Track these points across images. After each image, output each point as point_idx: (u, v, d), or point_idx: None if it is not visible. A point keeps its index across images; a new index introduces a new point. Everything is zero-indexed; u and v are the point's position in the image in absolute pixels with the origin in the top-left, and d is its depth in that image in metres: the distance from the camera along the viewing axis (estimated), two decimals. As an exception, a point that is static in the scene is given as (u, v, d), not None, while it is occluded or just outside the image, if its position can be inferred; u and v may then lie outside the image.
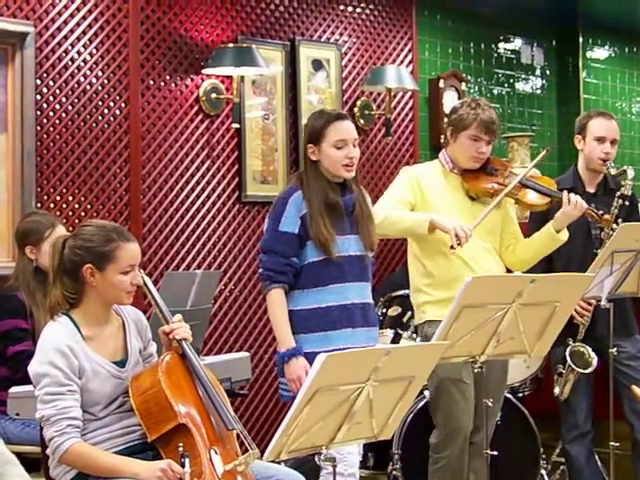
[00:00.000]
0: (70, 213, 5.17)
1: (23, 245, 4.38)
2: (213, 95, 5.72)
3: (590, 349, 4.60)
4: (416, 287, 4.37)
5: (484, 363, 3.58)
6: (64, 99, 5.17)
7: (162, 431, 3.21)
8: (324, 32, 6.31)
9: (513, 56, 7.61)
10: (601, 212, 4.36)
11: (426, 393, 4.68)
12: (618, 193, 4.63)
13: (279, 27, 6.09)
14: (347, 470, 3.80)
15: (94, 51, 5.28)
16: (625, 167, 4.76)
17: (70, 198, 5.18)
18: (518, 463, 4.91)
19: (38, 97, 5.06)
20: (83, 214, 5.21)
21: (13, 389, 3.97)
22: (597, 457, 4.98)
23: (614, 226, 4.42)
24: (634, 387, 4.03)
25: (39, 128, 5.07)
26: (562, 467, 5.24)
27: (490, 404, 3.74)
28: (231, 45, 5.66)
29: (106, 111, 5.32)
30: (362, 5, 6.52)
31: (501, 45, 7.53)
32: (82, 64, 5.24)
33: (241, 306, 5.87)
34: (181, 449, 3.05)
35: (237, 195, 5.86)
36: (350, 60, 6.44)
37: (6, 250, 4.94)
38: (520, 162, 6.59)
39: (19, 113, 4.97)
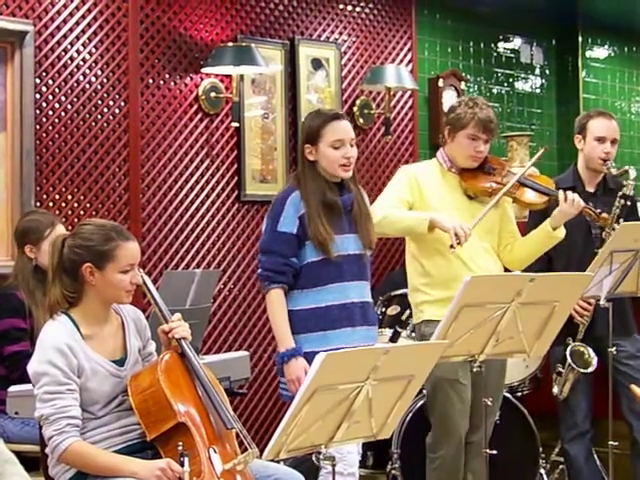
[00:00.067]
0: (69, 212, 5.17)
1: (22, 244, 4.38)
2: (212, 94, 5.72)
3: (590, 349, 4.60)
4: (414, 287, 4.37)
5: (483, 362, 3.59)
6: (63, 98, 5.17)
7: (161, 430, 3.21)
8: (324, 31, 6.31)
9: (512, 55, 7.61)
10: (599, 211, 4.36)
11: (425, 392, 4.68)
12: (620, 193, 4.63)
13: (278, 26, 6.09)
14: (347, 469, 3.80)
15: (93, 50, 5.28)
16: (627, 167, 4.76)
17: (69, 197, 5.18)
18: (517, 462, 4.91)
19: (37, 96, 5.06)
20: (82, 213, 5.21)
21: (12, 388, 3.97)
22: (596, 456, 4.98)
23: (615, 226, 4.42)
24: (633, 386, 4.03)
25: (38, 127, 5.07)
26: (561, 466, 5.24)
27: (489, 403, 3.75)
28: (230, 44, 5.66)
29: (105, 110, 5.32)
30: (362, 4, 6.52)
31: (500, 44, 7.53)
32: (81, 63, 5.24)
33: (240, 305, 5.87)
34: (180, 448, 3.05)
35: (236, 194, 5.86)
36: (350, 59, 6.44)
37: (5, 249, 4.94)
38: (519, 161, 6.59)
39: (18, 112, 4.97)
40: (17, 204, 4.96)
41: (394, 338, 5.36)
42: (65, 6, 5.18)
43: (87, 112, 5.25)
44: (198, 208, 5.69)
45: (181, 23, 5.64)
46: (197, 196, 5.68)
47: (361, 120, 6.44)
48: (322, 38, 6.30)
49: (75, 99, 5.21)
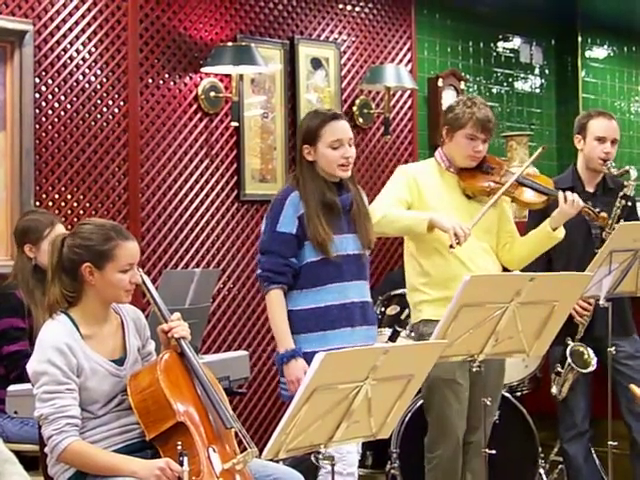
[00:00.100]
0: (69, 211, 5.17)
1: (22, 243, 4.38)
2: (212, 93, 5.72)
3: (590, 349, 4.60)
4: (412, 286, 4.37)
5: (482, 362, 3.58)
6: (63, 97, 5.17)
7: (160, 429, 3.21)
8: (323, 31, 6.31)
9: (512, 55, 7.61)
10: (598, 210, 4.36)
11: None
12: (621, 193, 4.63)
13: (278, 25, 6.09)
14: (346, 469, 3.80)
15: (93, 49, 5.28)
16: (627, 167, 4.76)
17: (69, 196, 5.18)
18: (516, 462, 4.91)
19: (37, 95, 5.06)
20: (82, 212, 5.21)
21: (12, 387, 3.97)
22: (595, 456, 4.98)
23: (616, 226, 4.42)
24: (632, 386, 4.03)
25: (38, 126, 5.06)
26: (560, 466, 5.24)
27: (489, 403, 3.75)
28: (230, 44, 5.66)
29: (105, 109, 5.32)
30: (361, 4, 6.52)
31: (500, 44, 7.53)
32: (81, 62, 5.24)
33: (240, 305, 5.87)
34: (179, 447, 3.05)
35: (236, 193, 5.86)
36: (349, 59, 6.44)
37: (5, 248, 4.94)
38: (519, 161, 6.59)
39: (18, 111, 4.97)
40: (16, 203, 4.96)
41: (393, 337, 5.36)
42: (64, 5, 5.18)
43: (86, 111, 5.25)
44: (197, 207, 5.69)
45: (180, 22, 5.64)
46: (196, 195, 5.68)
47: (360, 120, 6.44)
48: (322, 38, 6.30)
49: (74, 98, 5.21)
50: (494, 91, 7.45)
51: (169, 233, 5.56)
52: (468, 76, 7.19)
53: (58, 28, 5.16)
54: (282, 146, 6.03)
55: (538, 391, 5.47)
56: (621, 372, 4.63)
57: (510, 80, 7.59)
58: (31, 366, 3.22)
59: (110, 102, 5.34)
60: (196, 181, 5.68)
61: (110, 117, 5.34)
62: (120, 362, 3.33)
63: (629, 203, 4.61)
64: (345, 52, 6.42)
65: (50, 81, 5.12)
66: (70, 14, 5.20)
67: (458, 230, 4.00)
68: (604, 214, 4.36)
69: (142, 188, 5.46)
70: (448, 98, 6.76)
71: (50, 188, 5.11)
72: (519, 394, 5.38)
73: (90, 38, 5.27)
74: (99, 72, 5.30)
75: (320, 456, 2.96)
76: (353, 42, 6.46)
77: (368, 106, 6.49)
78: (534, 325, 3.55)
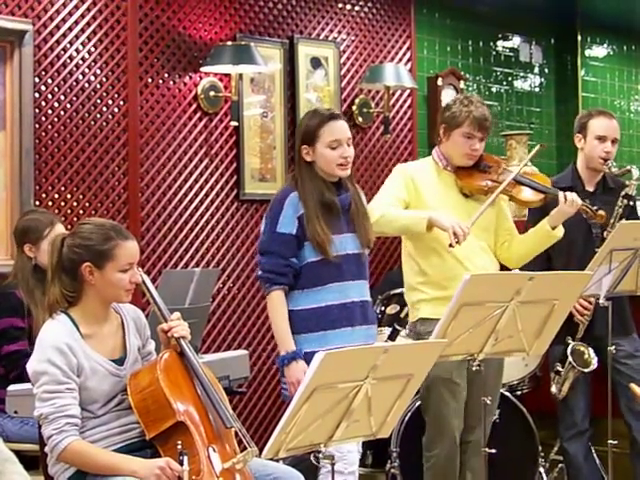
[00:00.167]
0: (68, 211, 5.17)
1: (22, 243, 4.38)
2: (211, 93, 5.72)
3: (591, 349, 4.60)
4: (410, 285, 4.37)
5: (482, 361, 3.58)
6: (62, 97, 5.17)
7: (160, 429, 3.21)
8: (322, 30, 6.31)
9: (512, 54, 7.61)
10: (595, 207, 4.35)
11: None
12: (623, 193, 4.63)
13: (277, 25, 6.09)
14: (347, 468, 3.80)
15: (92, 49, 5.28)
16: (629, 167, 4.76)
17: (68, 196, 5.18)
18: (516, 461, 4.91)
19: (36, 95, 5.06)
20: (81, 212, 5.21)
21: (12, 387, 3.97)
22: (595, 455, 4.98)
23: (617, 225, 4.42)
24: (632, 385, 4.03)
25: (37, 126, 5.06)
26: (560, 465, 5.24)
27: (489, 402, 3.75)
28: (229, 43, 5.66)
29: (104, 109, 5.32)
30: (360, 3, 6.52)
31: (499, 43, 7.53)
32: (80, 62, 5.24)
33: (239, 304, 5.87)
34: (179, 447, 3.05)
35: (235, 193, 5.85)
36: (349, 58, 6.44)
37: (5, 248, 4.94)
38: (518, 160, 6.58)
39: (17, 111, 4.97)
40: (16, 203, 4.96)
41: (393, 336, 5.36)
42: (64, 5, 5.18)
43: (86, 111, 5.25)
44: (197, 207, 5.69)
45: (180, 22, 5.64)
46: (196, 195, 5.68)
47: (360, 119, 6.44)
48: (321, 37, 6.30)
49: (74, 98, 5.21)
50: (494, 90, 7.45)
51: (169, 232, 5.56)
52: (468, 75, 7.19)
53: (58, 28, 5.16)
54: (282, 145, 6.03)
55: (538, 390, 5.47)
56: (621, 371, 4.63)
57: (510, 79, 7.59)
58: (31, 366, 3.22)
59: (110, 101, 5.34)
60: (196, 180, 5.68)
61: (110, 116, 5.34)
62: (120, 362, 3.34)
63: (631, 202, 4.61)
64: (345, 51, 6.41)
65: (50, 81, 5.12)
66: (70, 14, 5.20)
67: (457, 229, 4.00)
68: (602, 212, 4.36)
69: (142, 187, 5.46)
70: (448, 97, 6.75)
71: (50, 188, 5.12)
72: (519, 393, 5.38)
73: (90, 38, 5.27)
74: (99, 72, 5.30)
75: (320, 455, 2.96)
76: (352, 41, 6.46)
77: (368, 105, 6.49)
78: (534, 324, 3.55)
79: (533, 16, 7.62)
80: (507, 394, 4.93)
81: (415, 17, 6.83)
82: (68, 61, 5.19)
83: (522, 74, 7.68)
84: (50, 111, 5.12)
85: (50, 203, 5.10)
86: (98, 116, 5.30)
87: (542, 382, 5.41)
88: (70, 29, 5.20)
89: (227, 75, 5.71)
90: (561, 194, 4.26)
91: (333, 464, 3.04)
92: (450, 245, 4.02)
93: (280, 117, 6.03)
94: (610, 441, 4.26)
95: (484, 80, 7.38)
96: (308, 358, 3.65)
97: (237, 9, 5.89)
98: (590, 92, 7.93)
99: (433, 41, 7.00)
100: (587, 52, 7.95)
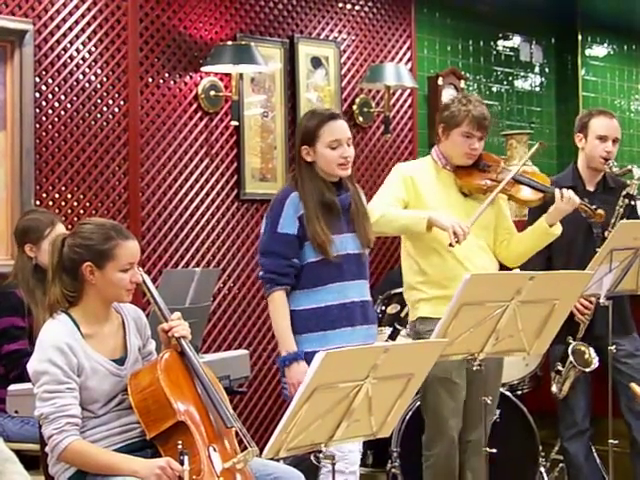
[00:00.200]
0: (69, 211, 5.17)
1: (22, 243, 4.38)
2: (212, 93, 5.72)
3: (592, 349, 4.60)
4: (409, 285, 4.37)
5: (482, 361, 3.58)
6: (63, 97, 5.17)
7: (161, 429, 3.21)
8: (323, 30, 6.31)
9: (512, 54, 7.61)
10: (594, 207, 4.35)
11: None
12: (624, 192, 4.63)
13: (278, 25, 6.09)
14: (348, 468, 3.80)
15: (93, 49, 5.28)
16: (630, 166, 4.76)
17: (69, 196, 5.18)
18: (517, 461, 4.91)
19: (37, 95, 5.06)
20: (82, 212, 5.21)
21: (12, 387, 3.97)
22: (596, 455, 4.98)
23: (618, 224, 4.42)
24: (633, 385, 4.03)
25: (38, 126, 5.07)
26: (561, 465, 5.24)
27: (489, 402, 3.75)
28: (230, 43, 5.66)
29: (105, 109, 5.32)
30: (361, 2, 6.52)
31: (500, 43, 7.53)
32: (81, 62, 5.24)
33: (240, 304, 5.87)
34: (180, 447, 3.05)
35: (236, 193, 5.86)
36: (349, 58, 6.44)
37: (5, 248, 4.94)
38: (519, 159, 6.57)
39: (18, 111, 4.97)
40: (17, 203, 4.97)
41: (393, 336, 5.36)
42: (64, 5, 5.18)
43: (87, 111, 5.25)
44: (197, 207, 5.69)
45: (180, 22, 5.64)
46: (196, 195, 5.68)
47: (360, 118, 6.44)
48: (321, 36, 6.30)
49: (75, 98, 5.21)
50: (494, 90, 7.45)
51: (169, 232, 5.57)
52: (468, 75, 7.19)
53: (58, 27, 5.16)
54: (282, 145, 6.03)
55: (539, 390, 5.47)
56: (621, 371, 4.62)
57: (510, 79, 7.59)
58: (32, 365, 3.22)
59: (110, 101, 5.34)
60: (196, 180, 5.68)
61: (110, 116, 5.34)
62: (121, 361, 3.34)
63: (632, 202, 4.61)
64: (345, 51, 6.41)
65: (50, 80, 5.12)
66: (70, 13, 5.20)
67: (457, 228, 4.00)
68: (601, 211, 4.35)
69: (142, 187, 5.46)
70: (448, 97, 6.69)
71: (50, 187, 5.12)
72: (520, 392, 5.38)
73: (90, 37, 5.27)
74: (99, 71, 5.30)
75: (321, 455, 2.96)
76: (353, 41, 6.46)
77: (368, 105, 6.49)
78: (534, 324, 3.55)
79: (533, 16, 7.62)
80: (508, 394, 4.93)
81: (415, 17, 6.83)
82: (68, 61, 5.19)
83: (522, 74, 7.68)
84: (51, 111, 5.12)
85: (51, 203, 5.10)
86: (99, 116, 5.30)
87: (543, 382, 5.41)
88: (70, 29, 5.20)
89: (227, 75, 5.71)
90: (557, 191, 4.26)
91: (334, 464, 3.04)
92: (450, 245, 4.02)
93: (280, 117, 6.04)
94: (611, 441, 4.26)
95: (484, 80, 7.38)
96: (308, 358, 3.65)
97: (237, 9, 5.89)
98: (590, 91, 7.93)
99: (433, 41, 7.00)
100: (587, 52, 7.95)
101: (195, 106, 5.69)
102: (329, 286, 3.85)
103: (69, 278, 3.29)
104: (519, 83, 7.65)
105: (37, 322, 4.10)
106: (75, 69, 5.21)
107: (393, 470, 4.86)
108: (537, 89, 7.81)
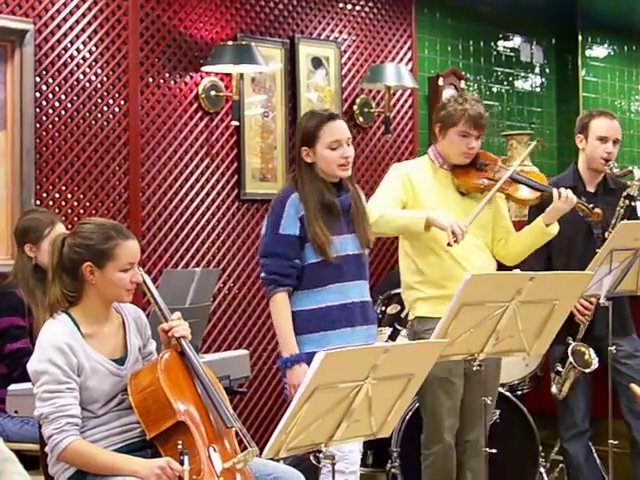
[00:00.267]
0: (69, 211, 5.17)
1: (22, 243, 4.38)
2: (212, 93, 5.72)
3: (592, 350, 4.60)
4: (407, 284, 4.37)
5: (482, 361, 3.58)
6: (63, 96, 5.17)
7: (161, 429, 3.21)
8: (323, 30, 6.31)
9: (512, 54, 7.61)
10: (591, 205, 4.35)
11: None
12: (625, 193, 4.63)
13: (278, 25, 6.09)
14: (348, 468, 3.80)
15: (93, 48, 5.28)
16: (631, 167, 4.76)
17: (69, 196, 5.18)
18: (517, 461, 4.91)
19: (37, 94, 5.06)
20: (82, 212, 5.21)
21: (12, 387, 3.97)
22: (596, 455, 4.98)
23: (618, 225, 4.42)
24: (633, 385, 4.03)
25: (38, 125, 5.06)
26: (561, 465, 5.24)
27: (489, 402, 3.75)
28: (230, 43, 5.66)
29: (105, 109, 5.32)
30: (361, 3, 6.52)
31: (500, 43, 7.53)
32: (81, 61, 5.24)
33: (240, 304, 5.87)
34: (180, 447, 3.05)
35: (236, 193, 5.86)
36: (349, 58, 6.44)
37: (5, 248, 4.94)
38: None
39: (18, 110, 4.97)
40: (17, 203, 4.96)
41: (393, 336, 5.36)
42: (65, 4, 5.18)
43: (87, 111, 5.25)
44: (198, 207, 5.69)
45: (181, 22, 5.64)
46: (197, 195, 5.68)
47: (361, 119, 6.44)
48: (322, 37, 6.30)
49: (75, 98, 5.21)
50: (494, 90, 7.45)
51: (169, 232, 5.57)
52: (468, 75, 7.19)
53: (59, 27, 5.16)
54: (282, 145, 6.03)
55: (538, 390, 5.47)
56: (621, 371, 4.62)
57: (510, 79, 7.59)
58: (31, 365, 3.22)
59: (110, 101, 5.34)
60: (196, 180, 5.68)
61: (110, 116, 5.34)
62: (121, 361, 3.34)
63: (632, 203, 4.61)
64: (345, 51, 6.41)
65: (51, 80, 5.12)
66: (71, 13, 5.20)
67: (455, 228, 4.00)
68: (598, 210, 4.35)
69: (142, 187, 5.46)
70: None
71: (50, 187, 5.12)
72: (519, 393, 5.38)
73: (90, 37, 5.27)
74: (99, 71, 5.30)
75: (321, 455, 2.96)
76: (353, 41, 6.46)
77: (368, 105, 6.49)
78: (534, 324, 3.55)
79: (534, 16, 7.63)
80: (507, 394, 4.94)
81: (416, 17, 6.83)
82: (69, 60, 5.19)
83: (523, 74, 7.68)
84: (51, 110, 5.12)
85: (51, 203, 5.10)
86: (99, 116, 5.30)
87: (542, 382, 5.41)
88: (71, 28, 5.20)
89: (228, 75, 5.71)
90: (555, 190, 4.26)
91: (334, 464, 3.04)
92: (448, 244, 4.02)
93: (281, 117, 6.04)
94: (610, 441, 4.26)
95: (485, 80, 7.38)
96: (309, 359, 3.65)
97: (238, 9, 5.89)
98: (591, 92, 7.93)
99: (434, 41, 7.00)
100: (588, 52, 7.96)
101: (195, 106, 5.69)
102: (329, 287, 3.85)
103: (69, 278, 3.29)
104: (519, 83, 7.66)
105: (37, 322, 4.10)
106: (75, 69, 5.21)
107: (393, 470, 4.87)
108: (537, 90, 7.81)
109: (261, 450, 2.95)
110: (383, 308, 5.64)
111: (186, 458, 3.02)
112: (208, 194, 5.73)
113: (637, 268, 4.30)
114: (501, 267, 4.45)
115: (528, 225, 4.52)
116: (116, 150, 5.36)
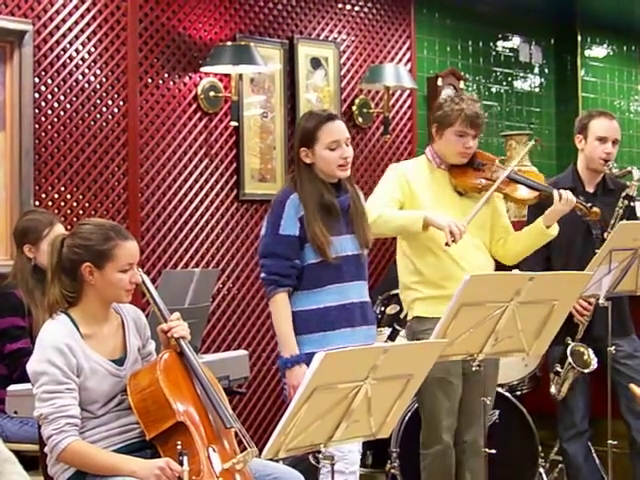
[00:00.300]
0: (68, 211, 5.17)
1: (21, 243, 4.37)
2: (211, 93, 5.72)
3: (591, 350, 4.60)
4: (405, 284, 4.37)
5: (482, 361, 3.58)
6: (62, 97, 5.17)
7: (160, 429, 3.21)
8: (322, 30, 6.31)
9: (511, 54, 7.61)
10: (589, 204, 4.34)
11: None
12: (624, 194, 4.63)
13: (277, 25, 6.09)
14: (348, 468, 3.80)
15: (92, 49, 5.28)
16: (630, 168, 4.76)
17: (68, 196, 5.18)
18: (516, 461, 4.91)
19: (36, 95, 5.06)
20: (81, 212, 5.21)
21: (12, 387, 3.97)
22: (595, 455, 4.98)
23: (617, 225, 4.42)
24: (632, 385, 4.03)
25: (37, 126, 5.06)
26: (560, 465, 5.24)
27: (489, 402, 3.75)
28: (229, 43, 5.66)
29: (104, 109, 5.32)
30: (360, 3, 6.52)
31: (499, 43, 7.53)
32: (80, 62, 5.24)
33: (239, 304, 5.87)
34: (179, 447, 3.05)
35: (235, 193, 5.86)
36: (348, 58, 6.44)
37: (4, 248, 4.94)
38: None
39: (17, 111, 4.97)
40: (16, 203, 4.97)
41: (392, 336, 5.36)
42: (64, 5, 5.18)
43: (86, 111, 5.25)
44: (197, 207, 5.69)
45: (180, 22, 5.64)
46: (196, 195, 5.68)
47: (360, 119, 6.44)
48: (321, 37, 6.30)
49: (74, 98, 5.21)
50: (493, 90, 7.45)
51: (168, 233, 5.56)
52: (467, 75, 7.19)
53: (57, 28, 5.16)
54: (281, 146, 6.03)
55: (538, 390, 5.47)
56: (620, 372, 4.62)
57: (509, 79, 7.59)
58: (31, 366, 3.22)
59: (109, 102, 5.34)
60: (195, 181, 5.68)
61: (109, 117, 5.34)
62: (120, 362, 3.34)
63: (632, 203, 4.61)
64: (344, 52, 6.41)
65: (49, 81, 5.12)
66: (69, 14, 5.20)
67: (453, 228, 4.00)
68: (596, 209, 4.35)
69: (141, 188, 5.46)
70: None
71: (49, 188, 5.12)
72: (519, 393, 5.38)
73: (89, 38, 5.27)
74: (98, 72, 5.30)
75: (320, 456, 2.96)
76: (352, 41, 6.46)
77: (367, 105, 6.49)
78: (534, 324, 3.55)
79: (533, 16, 7.63)
80: (507, 394, 4.94)
81: (415, 17, 6.83)
82: (68, 61, 5.19)
83: (522, 74, 7.68)
84: (50, 111, 5.12)
85: (50, 203, 5.10)
86: (98, 116, 5.30)
87: (542, 382, 5.41)
88: (70, 29, 5.20)
89: (227, 75, 5.71)
90: (556, 192, 4.26)
91: (333, 464, 3.04)
92: (446, 244, 4.02)
93: (280, 117, 6.04)
94: (610, 441, 4.26)
95: (484, 80, 7.38)
96: (308, 359, 3.65)
97: (237, 9, 5.89)
98: (590, 92, 7.93)
99: (433, 41, 7.00)
100: (587, 52, 7.96)
101: (194, 107, 5.69)
102: (329, 287, 3.84)
103: (68, 279, 3.29)
104: (518, 84, 7.66)
105: (37, 322, 4.10)
106: (74, 69, 5.21)
107: (392, 470, 4.87)
108: (536, 90, 7.81)
109: (260, 450, 2.95)
110: (382, 308, 5.64)
111: (185, 459, 3.02)
112: (207, 195, 5.73)
113: (636, 268, 4.30)
114: (500, 267, 4.45)
115: (527, 225, 4.52)
116: (115, 151, 5.36)
